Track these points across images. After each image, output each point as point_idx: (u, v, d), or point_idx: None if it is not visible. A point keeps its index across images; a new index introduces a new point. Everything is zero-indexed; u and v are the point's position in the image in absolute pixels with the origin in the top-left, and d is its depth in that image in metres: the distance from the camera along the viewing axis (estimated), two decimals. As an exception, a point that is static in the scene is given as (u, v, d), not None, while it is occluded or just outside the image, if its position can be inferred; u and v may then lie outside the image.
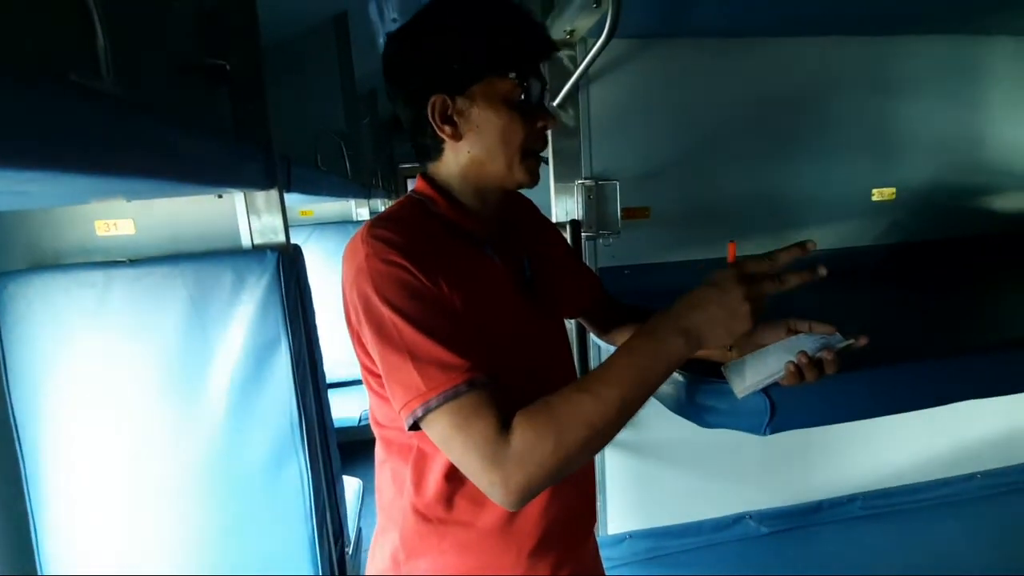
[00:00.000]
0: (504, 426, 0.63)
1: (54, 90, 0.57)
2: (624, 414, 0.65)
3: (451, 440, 0.64)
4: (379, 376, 0.70)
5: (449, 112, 0.72)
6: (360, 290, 0.67)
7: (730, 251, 0.75)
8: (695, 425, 0.95)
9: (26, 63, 0.61)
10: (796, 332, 0.83)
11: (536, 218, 0.98)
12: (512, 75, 0.71)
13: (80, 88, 0.65)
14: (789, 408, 0.87)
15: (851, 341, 0.78)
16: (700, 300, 0.66)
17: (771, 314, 0.87)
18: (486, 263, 0.76)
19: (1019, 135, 1.76)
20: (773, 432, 0.88)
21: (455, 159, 0.76)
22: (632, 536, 1.71)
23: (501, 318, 0.74)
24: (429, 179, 0.79)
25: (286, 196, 1.43)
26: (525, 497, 0.64)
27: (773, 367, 0.81)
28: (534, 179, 0.76)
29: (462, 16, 0.72)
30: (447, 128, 0.73)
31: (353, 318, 0.70)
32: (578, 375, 1.43)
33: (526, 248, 0.85)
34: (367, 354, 0.72)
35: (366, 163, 3.28)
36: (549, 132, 1.49)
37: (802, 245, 0.70)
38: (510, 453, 0.62)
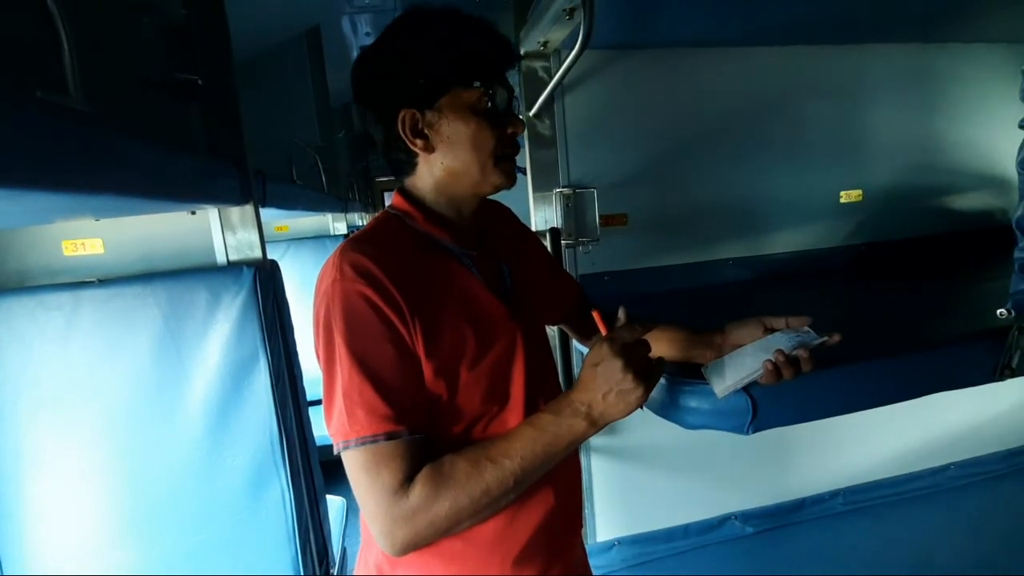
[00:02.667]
0: (408, 479, 0.67)
1: (19, 107, 0.55)
2: (521, 486, 0.70)
3: (357, 480, 0.68)
4: None
5: (419, 126, 0.74)
6: (322, 313, 0.69)
7: (597, 321, 0.75)
8: (678, 428, 0.96)
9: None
10: (772, 329, 0.85)
11: (515, 227, 0.99)
12: (477, 84, 0.73)
13: (46, 105, 0.63)
14: (770, 407, 0.89)
15: (825, 338, 0.80)
16: (587, 382, 0.70)
17: (746, 313, 0.90)
18: (461, 274, 0.77)
19: (975, 136, 1.84)
20: (755, 431, 0.90)
21: (429, 172, 0.77)
22: (620, 543, 1.71)
23: (475, 329, 0.74)
24: (406, 193, 0.80)
25: (262, 211, 1.41)
26: (407, 550, 0.69)
27: (751, 366, 0.82)
28: (510, 180, 0.78)
29: (424, 31, 0.73)
30: (419, 142, 0.74)
31: (314, 334, 0.73)
32: (561, 381, 1.44)
33: (505, 256, 0.86)
34: None
35: (342, 177, 3.26)
36: (526, 141, 1.52)
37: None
38: (405, 508, 0.66)
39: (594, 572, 1.69)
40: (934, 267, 1.72)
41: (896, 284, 1.59)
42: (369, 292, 0.67)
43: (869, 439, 1.90)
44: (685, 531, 1.74)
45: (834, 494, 1.87)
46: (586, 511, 1.71)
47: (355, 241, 0.73)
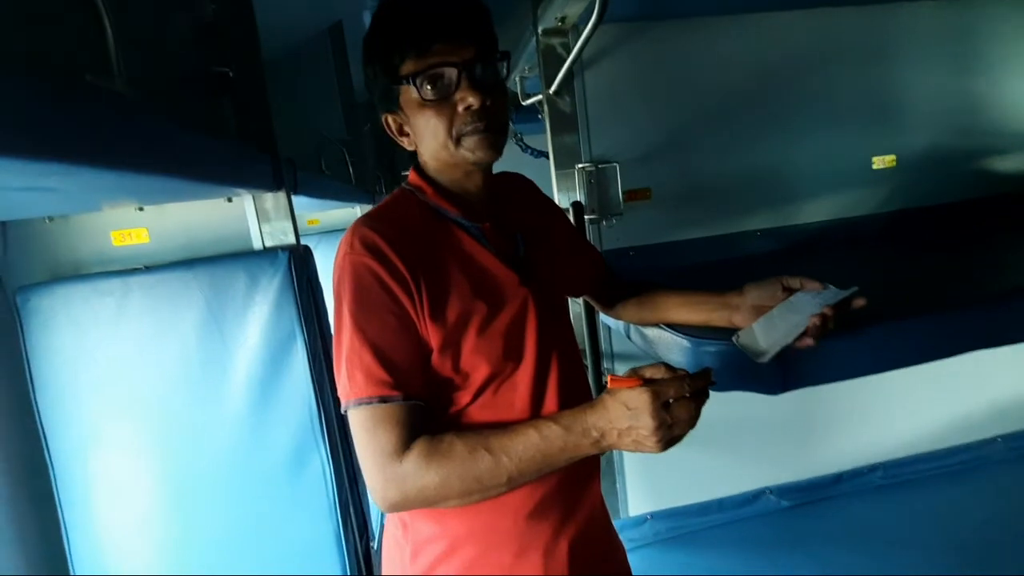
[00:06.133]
0: (404, 445, 0.70)
1: (71, 89, 0.60)
2: (513, 483, 0.71)
3: (357, 438, 0.72)
4: None
5: (400, 126, 0.80)
6: (335, 281, 0.75)
7: (616, 383, 0.68)
8: (710, 401, 0.96)
9: (45, 64, 0.64)
10: (790, 289, 0.85)
11: (535, 198, 1.00)
12: (405, 81, 0.74)
13: (94, 88, 0.68)
14: (802, 366, 0.89)
15: (850, 292, 0.80)
16: (611, 415, 0.68)
17: (766, 274, 0.89)
18: (469, 244, 0.80)
19: (1015, 95, 1.76)
20: (786, 390, 0.90)
21: (424, 160, 0.82)
22: (653, 517, 1.72)
23: (483, 295, 0.77)
24: (420, 170, 0.84)
25: (296, 201, 1.47)
26: (395, 509, 0.74)
27: (785, 330, 0.83)
28: (481, 153, 0.76)
29: (367, 41, 0.78)
30: (404, 139, 0.81)
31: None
32: (587, 352, 1.45)
33: (521, 227, 0.87)
34: None
35: (369, 170, 3.32)
36: (546, 120, 1.53)
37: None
38: (398, 471, 0.70)
39: (627, 545, 1.71)
40: (974, 232, 1.66)
41: (933, 250, 1.54)
42: (375, 265, 0.71)
43: (911, 411, 1.85)
44: (719, 505, 1.74)
45: (873, 468, 1.83)
46: (618, 485, 1.72)
47: (368, 217, 0.78)
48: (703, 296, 0.97)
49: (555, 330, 0.84)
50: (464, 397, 0.76)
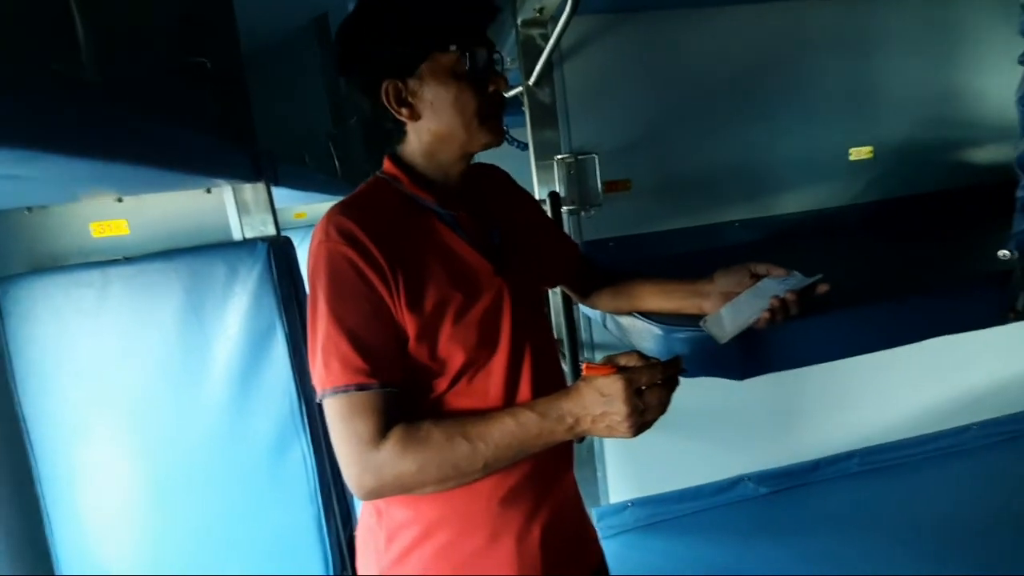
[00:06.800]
0: (381, 432, 0.70)
1: (36, 77, 0.61)
2: (489, 469, 0.72)
3: (332, 426, 0.72)
4: None
5: (403, 95, 0.76)
6: (310, 270, 0.74)
7: (591, 370, 0.71)
8: (689, 389, 0.98)
9: (10, 55, 0.65)
10: (757, 275, 0.87)
11: (511, 189, 1.01)
12: (453, 47, 0.74)
13: (62, 77, 0.68)
14: (762, 352, 0.91)
15: (814, 279, 0.82)
16: (586, 401, 0.69)
17: (728, 264, 0.91)
18: (445, 233, 0.80)
19: (991, 86, 1.78)
20: (747, 376, 0.92)
21: (418, 138, 0.80)
22: (633, 504, 1.75)
23: (459, 284, 0.77)
24: (395, 159, 0.83)
25: (278, 194, 1.47)
26: (371, 497, 0.74)
27: (747, 312, 0.85)
28: (498, 137, 0.80)
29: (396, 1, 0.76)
30: (404, 111, 0.77)
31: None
32: (564, 341, 1.47)
33: (497, 217, 0.88)
34: None
35: (358, 162, 3.32)
36: (526, 110, 1.54)
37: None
38: (375, 459, 0.70)
39: (607, 532, 1.74)
40: (949, 222, 1.69)
41: (907, 240, 1.57)
42: (351, 253, 0.71)
43: (887, 399, 1.88)
44: (698, 492, 1.77)
45: (850, 455, 1.86)
46: (599, 473, 1.74)
47: (343, 205, 0.77)
48: (675, 284, 0.99)
49: (529, 320, 0.85)
50: (441, 384, 0.77)
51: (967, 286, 1.02)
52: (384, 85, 0.76)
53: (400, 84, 0.76)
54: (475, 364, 0.78)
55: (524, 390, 0.80)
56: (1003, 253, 0.96)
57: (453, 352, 0.76)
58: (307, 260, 0.76)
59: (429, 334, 0.75)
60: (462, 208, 0.83)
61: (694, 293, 0.95)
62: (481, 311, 0.78)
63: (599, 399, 0.68)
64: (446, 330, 0.75)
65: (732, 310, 0.87)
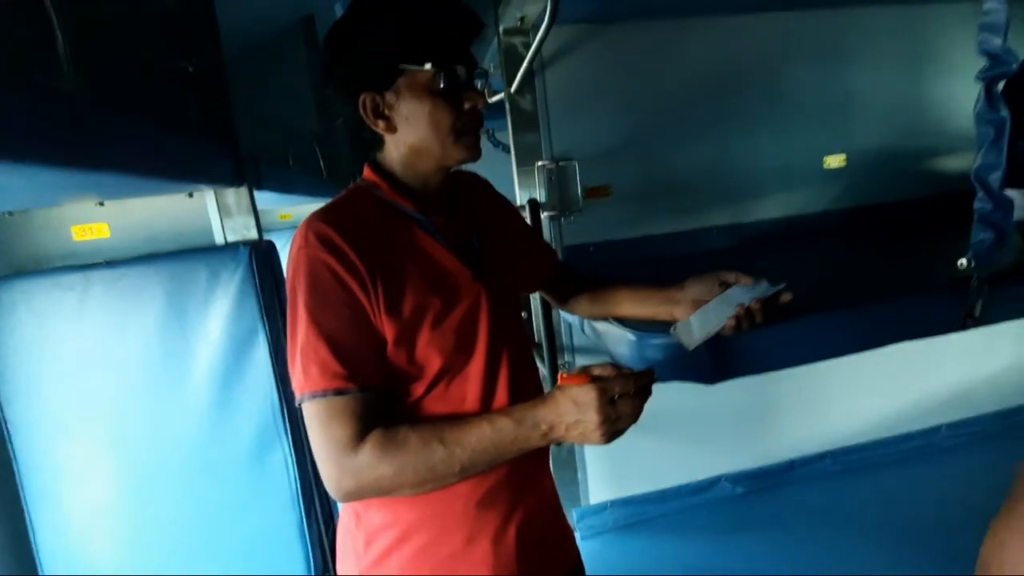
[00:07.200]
0: (359, 436, 0.72)
1: (16, 88, 0.62)
2: (465, 473, 0.74)
3: (311, 430, 0.73)
4: None
5: (380, 108, 0.77)
6: (290, 275, 0.75)
7: (566, 380, 0.73)
8: (668, 392, 1.00)
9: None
10: (726, 283, 0.90)
11: (491, 197, 1.02)
12: (428, 65, 0.75)
13: (42, 87, 0.69)
14: (731, 358, 0.94)
15: (778, 288, 0.85)
16: (560, 408, 0.72)
17: (706, 270, 0.94)
18: (424, 239, 0.81)
19: (963, 97, 1.84)
20: (718, 381, 0.95)
21: (395, 148, 0.81)
22: (613, 504, 1.78)
23: (437, 290, 0.79)
24: (375, 165, 0.84)
25: (261, 196, 1.48)
26: (350, 499, 0.76)
27: (715, 320, 0.88)
28: (473, 153, 0.81)
29: (376, 14, 0.76)
30: (380, 123, 0.78)
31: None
32: (543, 345, 1.50)
33: (476, 224, 0.89)
34: None
35: (344, 164, 3.32)
36: (508, 117, 1.56)
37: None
38: (353, 462, 0.72)
39: (587, 532, 1.77)
40: (918, 230, 1.74)
41: (877, 247, 1.61)
42: (330, 259, 0.72)
43: (860, 401, 1.93)
44: (676, 493, 1.80)
45: (824, 455, 1.91)
46: (579, 475, 1.77)
47: (323, 211, 0.78)
48: (649, 291, 1.01)
49: (507, 326, 0.86)
50: (419, 388, 0.78)
51: (929, 293, 1.06)
52: (362, 97, 0.77)
53: (378, 97, 0.77)
54: (452, 369, 0.79)
55: (501, 395, 0.82)
56: (961, 262, 1.01)
57: (431, 357, 0.77)
58: (287, 266, 0.77)
59: (407, 339, 0.76)
60: (441, 214, 0.84)
61: (666, 300, 0.98)
62: (459, 317, 0.79)
63: (573, 408, 0.70)
64: (424, 335, 0.76)
65: (700, 318, 0.90)
